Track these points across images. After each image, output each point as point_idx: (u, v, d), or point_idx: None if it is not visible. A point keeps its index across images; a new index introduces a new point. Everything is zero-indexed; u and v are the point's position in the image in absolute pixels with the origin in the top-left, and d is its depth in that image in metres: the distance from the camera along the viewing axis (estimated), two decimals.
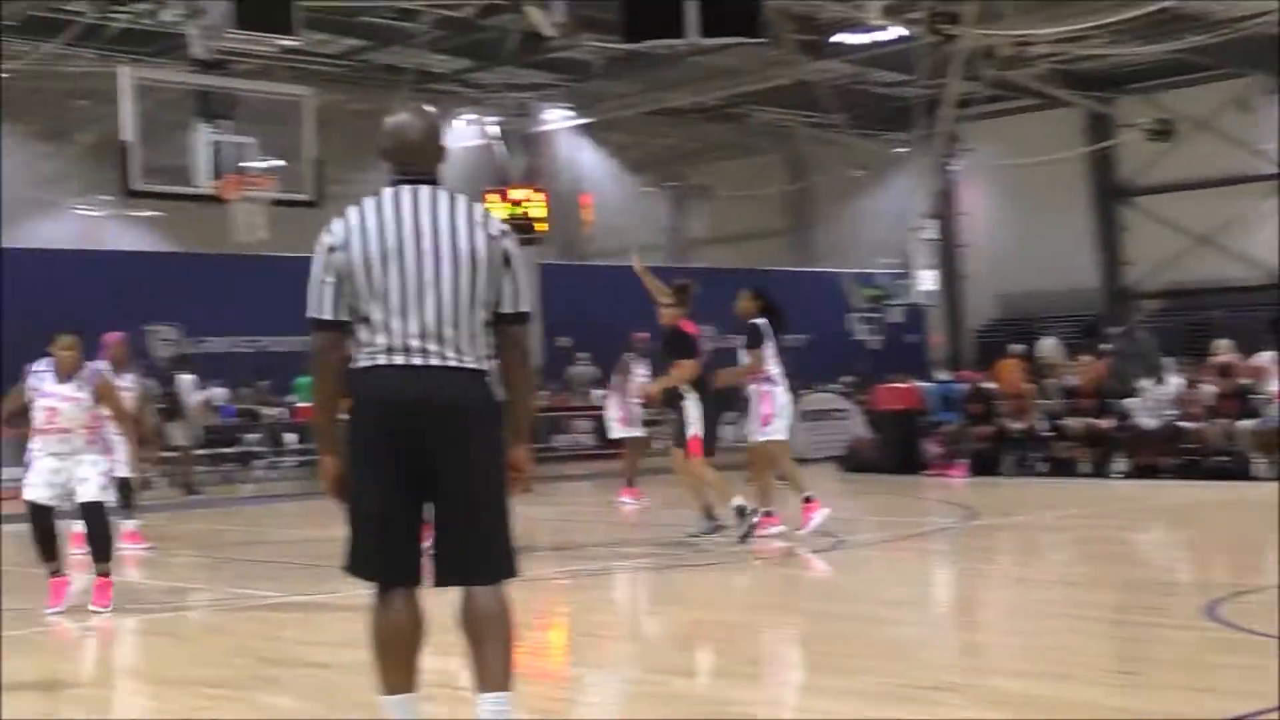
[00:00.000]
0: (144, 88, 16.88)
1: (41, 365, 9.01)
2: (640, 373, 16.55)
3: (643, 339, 16.87)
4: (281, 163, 17.87)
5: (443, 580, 4.68)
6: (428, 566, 4.71)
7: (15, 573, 9.75)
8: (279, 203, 16.81)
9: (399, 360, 4.63)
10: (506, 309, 4.77)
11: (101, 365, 9.84)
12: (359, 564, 4.72)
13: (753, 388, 12.17)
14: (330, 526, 5.62)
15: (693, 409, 11.82)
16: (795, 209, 38.36)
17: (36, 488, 8.92)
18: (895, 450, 20.08)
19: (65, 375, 8.94)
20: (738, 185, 37.28)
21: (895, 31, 24.35)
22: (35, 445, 9.02)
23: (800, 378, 23.23)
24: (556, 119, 32.07)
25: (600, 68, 28.40)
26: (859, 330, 33.62)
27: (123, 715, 6.37)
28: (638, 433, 16.82)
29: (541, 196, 29.79)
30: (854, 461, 20.71)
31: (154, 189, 17.82)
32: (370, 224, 4.68)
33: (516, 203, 29.69)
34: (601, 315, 34.36)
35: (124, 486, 12.46)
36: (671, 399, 11.96)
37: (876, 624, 8.31)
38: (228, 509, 16.78)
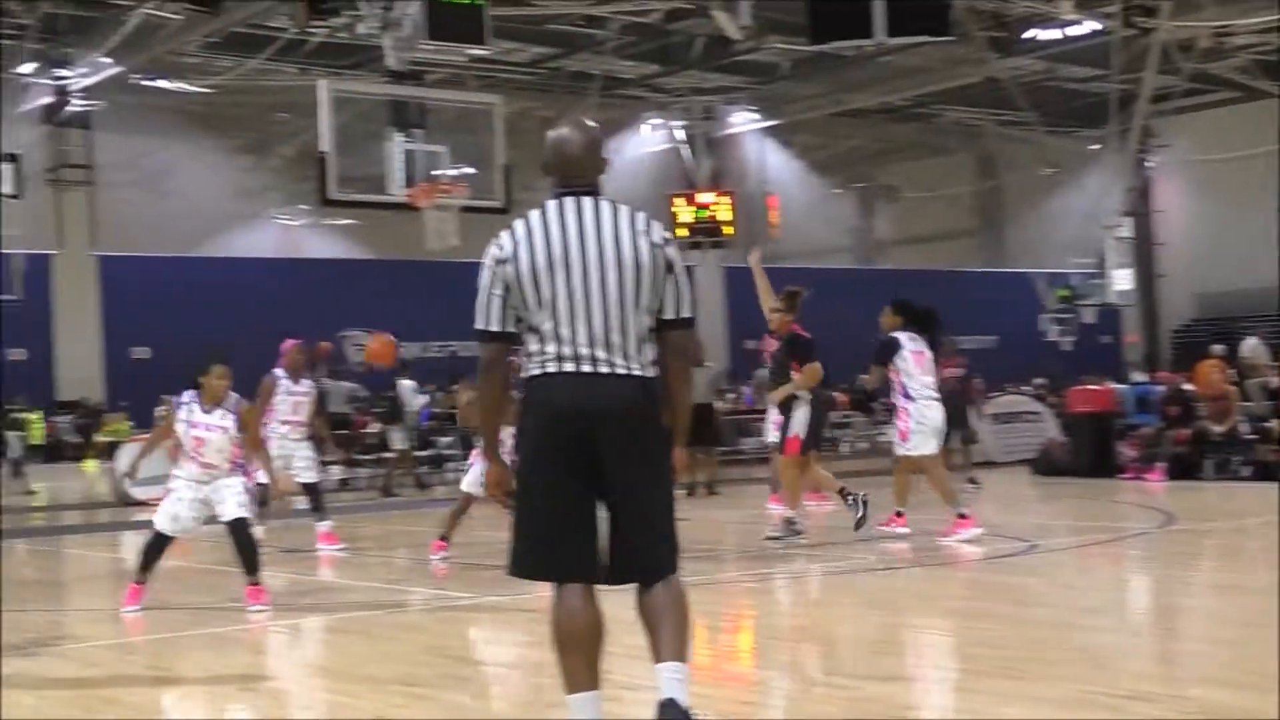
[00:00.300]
0: (340, 99, 17.31)
1: (187, 396, 9.23)
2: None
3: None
4: (472, 170, 18.21)
5: (619, 579, 4.81)
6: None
7: (218, 571, 10.09)
8: (469, 209, 17.11)
9: (569, 368, 4.73)
10: (669, 315, 4.84)
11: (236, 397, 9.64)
12: (529, 565, 4.84)
13: (894, 401, 12.28)
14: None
15: (801, 413, 12.04)
16: (984, 209, 37.79)
17: (162, 518, 9.25)
18: (1089, 453, 19.63)
19: (212, 404, 9.16)
20: (925, 185, 36.87)
21: (1089, 25, 23.84)
22: (179, 472, 9.29)
23: (990, 380, 22.88)
24: (742, 122, 32.07)
25: (786, 69, 28.34)
26: (1051, 331, 32.94)
27: (315, 712, 6.55)
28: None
29: (728, 199, 29.81)
30: (1046, 465, 20.29)
31: (350, 198, 18.29)
32: (536, 235, 4.79)
33: (703, 206, 29.77)
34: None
35: (313, 490, 12.79)
36: (785, 402, 12.15)
37: (1070, 630, 8.14)
38: (421, 511, 17.10)
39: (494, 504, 5.06)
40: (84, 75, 25.29)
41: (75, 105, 27.79)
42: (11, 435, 23.09)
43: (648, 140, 33.46)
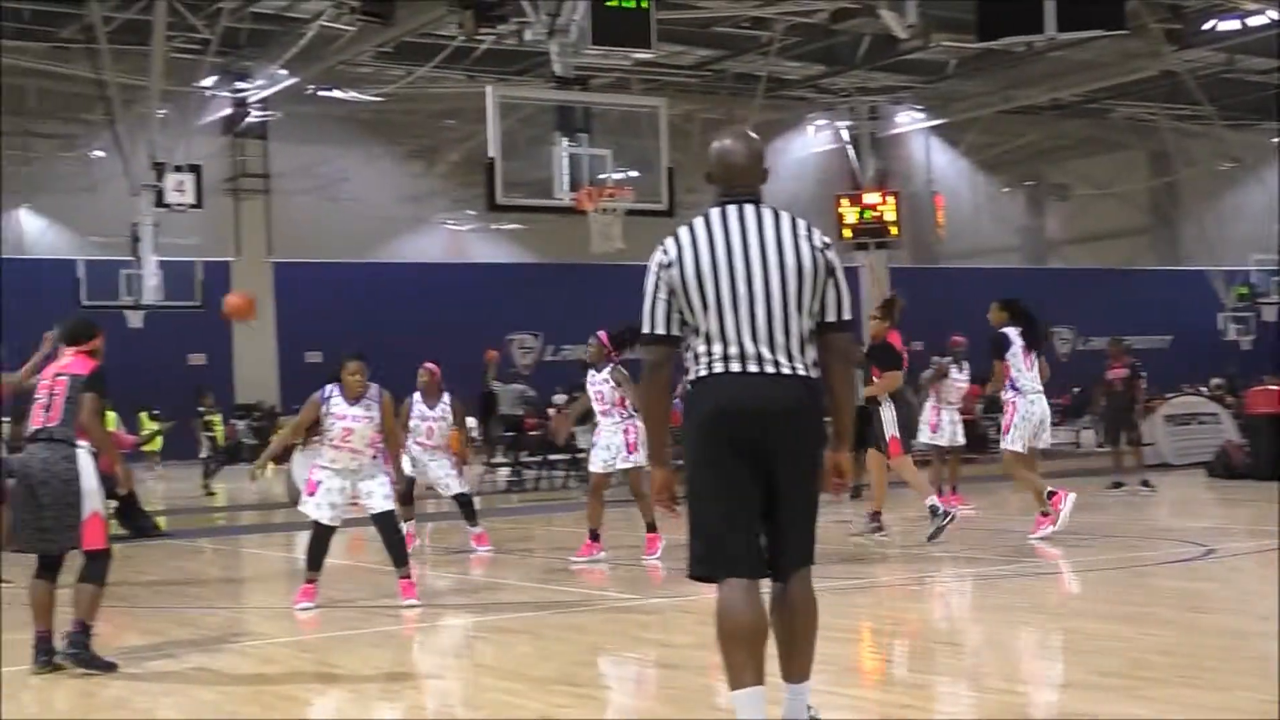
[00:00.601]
0: (506, 105, 17.52)
1: (329, 389, 9.58)
2: (958, 378, 16.03)
3: (960, 343, 16.30)
4: (636, 173, 18.29)
5: (781, 569, 4.93)
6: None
7: (374, 568, 10.28)
8: (634, 212, 17.19)
9: (735, 368, 4.84)
10: (831, 317, 4.96)
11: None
12: (703, 565, 4.89)
13: (1003, 395, 12.79)
14: (676, 531, 5.74)
15: (887, 413, 12.70)
16: (1158, 205, 36.88)
17: (321, 509, 9.51)
18: (1269, 456, 19.02)
19: (354, 398, 9.51)
20: (1097, 183, 36.12)
21: (1269, 15, 23.14)
22: (324, 461, 9.63)
23: (1165, 381, 22.34)
24: (908, 121, 31.76)
25: (953, 67, 28.00)
26: (1229, 330, 32.05)
27: (482, 712, 6.63)
28: (942, 441, 16.00)
29: (893, 200, 29.54)
30: (1223, 467, 19.72)
31: (517, 202, 18.49)
32: (700, 240, 4.92)
33: (868, 207, 29.54)
34: (955, 319, 33.86)
35: (464, 501, 12.89)
36: (869, 405, 12.75)
37: (1250, 638, 7.91)
38: (576, 513, 17.27)
39: (661, 507, 5.14)
40: (262, 87, 25.97)
41: (253, 116, 28.57)
42: (203, 436, 23.79)
43: (813, 141, 33.30)
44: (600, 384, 11.97)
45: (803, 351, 4.90)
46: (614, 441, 11.86)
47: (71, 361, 7.72)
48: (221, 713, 6.71)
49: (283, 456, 22.37)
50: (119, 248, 23.14)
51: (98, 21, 20.67)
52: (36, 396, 7.69)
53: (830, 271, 4.97)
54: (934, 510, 12.27)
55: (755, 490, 4.84)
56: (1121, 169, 36.03)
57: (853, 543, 12.46)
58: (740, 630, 4.78)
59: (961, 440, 16.30)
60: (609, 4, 16.43)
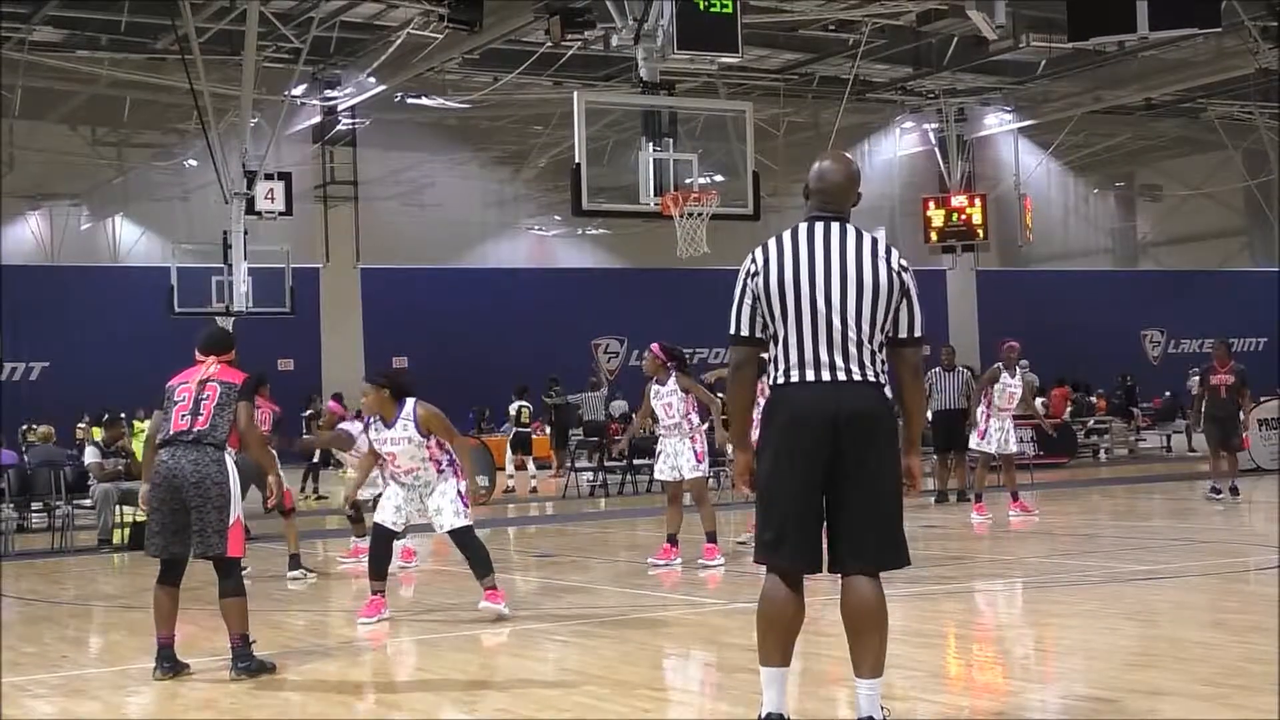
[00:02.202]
0: (591, 110, 17.56)
1: (370, 417, 9.45)
2: (1010, 383, 15.70)
3: (1013, 348, 15.95)
4: (721, 178, 18.26)
5: (846, 567, 5.24)
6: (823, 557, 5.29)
7: (454, 571, 10.32)
8: (719, 217, 17.16)
9: (811, 375, 5.20)
10: (904, 334, 5.30)
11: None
12: (765, 553, 5.29)
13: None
14: (731, 535, 5.75)
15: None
16: (1254, 206, 36.26)
17: (385, 511, 9.35)
18: None
19: (388, 421, 9.27)
20: (1190, 183, 35.62)
21: None
22: (386, 480, 9.56)
23: (1260, 384, 21.99)
24: (997, 123, 31.48)
25: (1043, 68, 27.72)
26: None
27: (567, 713, 6.65)
28: (990, 448, 15.74)
29: (981, 202, 29.31)
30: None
31: (602, 208, 18.51)
32: (786, 253, 5.27)
33: (956, 209, 29.33)
34: (1044, 321, 33.61)
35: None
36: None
37: None
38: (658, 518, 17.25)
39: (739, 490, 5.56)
40: (350, 95, 26.24)
41: (342, 124, 28.87)
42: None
43: (900, 143, 33.11)
44: (669, 395, 11.97)
45: (874, 361, 5.23)
46: (682, 450, 11.87)
47: (220, 370, 7.75)
48: (308, 714, 6.77)
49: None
50: (211, 255, 23.48)
51: (192, 32, 20.99)
52: (175, 400, 7.66)
53: (905, 292, 5.28)
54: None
55: (820, 491, 5.20)
56: (1215, 169, 35.48)
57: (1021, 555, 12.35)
58: (775, 618, 5.24)
59: (1013, 448, 16.01)
60: (695, 9, 16.44)
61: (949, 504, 17.30)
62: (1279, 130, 32.07)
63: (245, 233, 22.67)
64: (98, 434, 19.62)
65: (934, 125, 31.55)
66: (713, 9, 16.63)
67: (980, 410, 15.90)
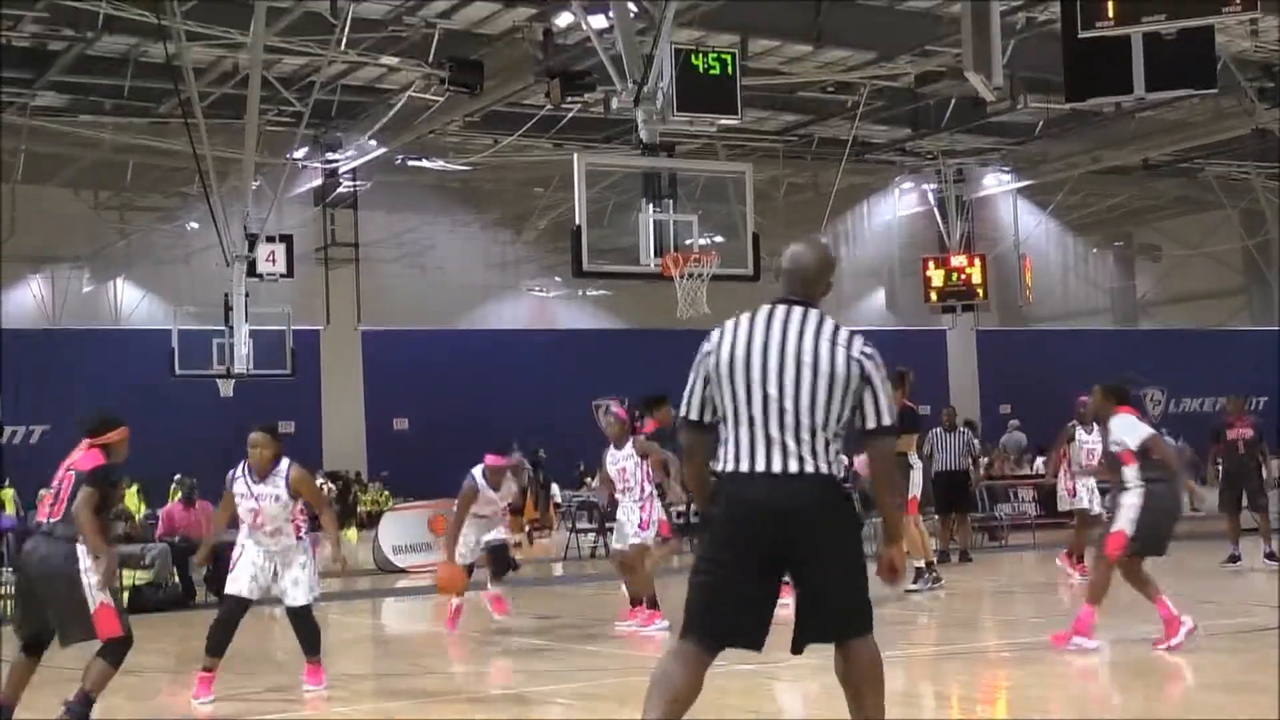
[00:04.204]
0: (592, 172, 17.61)
1: (240, 469, 9.18)
2: (1086, 440, 15.38)
3: (1085, 403, 15.76)
4: (721, 239, 18.28)
5: (805, 640, 5.18)
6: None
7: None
8: (719, 278, 17.17)
9: (760, 465, 5.03)
10: (870, 424, 5.13)
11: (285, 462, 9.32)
12: (687, 623, 5.16)
13: None
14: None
15: (916, 475, 14.26)
16: (1252, 265, 36.34)
17: (240, 581, 9.08)
18: None
19: (261, 475, 9.10)
20: (1188, 243, 35.71)
21: None
22: (242, 538, 9.25)
23: (1263, 442, 21.87)
24: (996, 183, 31.60)
25: (1041, 129, 27.87)
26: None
27: None
28: (1083, 505, 15.75)
29: (980, 262, 29.37)
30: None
31: (603, 269, 18.55)
32: (741, 333, 5.17)
33: (955, 269, 29.39)
34: (1044, 381, 33.60)
35: (500, 552, 12.27)
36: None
37: None
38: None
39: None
40: (352, 157, 26.35)
41: (343, 186, 28.99)
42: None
43: (899, 204, 33.22)
44: (624, 460, 11.92)
45: (826, 451, 5.06)
46: (630, 518, 11.84)
47: (83, 455, 7.81)
48: None
49: (370, 521, 22.49)
50: (212, 317, 23.52)
51: (194, 96, 21.10)
52: (50, 486, 7.83)
53: (866, 379, 5.11)
54: (920, 572, 13.79)
55: (758, 581, 5.08)
56: (1213, 229, 35.59)
57: (914, 600, 12.62)
58: (663, 685, 5.05)
59: (1098, 509, 15.25)
60: (695, 71, 16.53)
61: (951, 564, 17.24)
62: (1276, 190, 32.17)
63: (246, 295, 22.71)
64: None
65: (933, 186, 31.67)
66: (712, 72, 16.72)
67: (1063, 471, 15.46)
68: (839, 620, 5.17)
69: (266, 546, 9.11)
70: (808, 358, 5.05)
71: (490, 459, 11.82)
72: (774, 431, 5.02)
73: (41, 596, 7.52)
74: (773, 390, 5.03)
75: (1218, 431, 16.85)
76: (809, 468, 5.01)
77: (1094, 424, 14.88)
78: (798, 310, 5.17)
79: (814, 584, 5.10)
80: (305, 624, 9.18)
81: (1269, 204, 32.78)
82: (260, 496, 9.03)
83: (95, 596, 7.42)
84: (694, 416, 5.21)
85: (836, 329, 5.16)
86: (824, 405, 5.03)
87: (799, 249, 5.34)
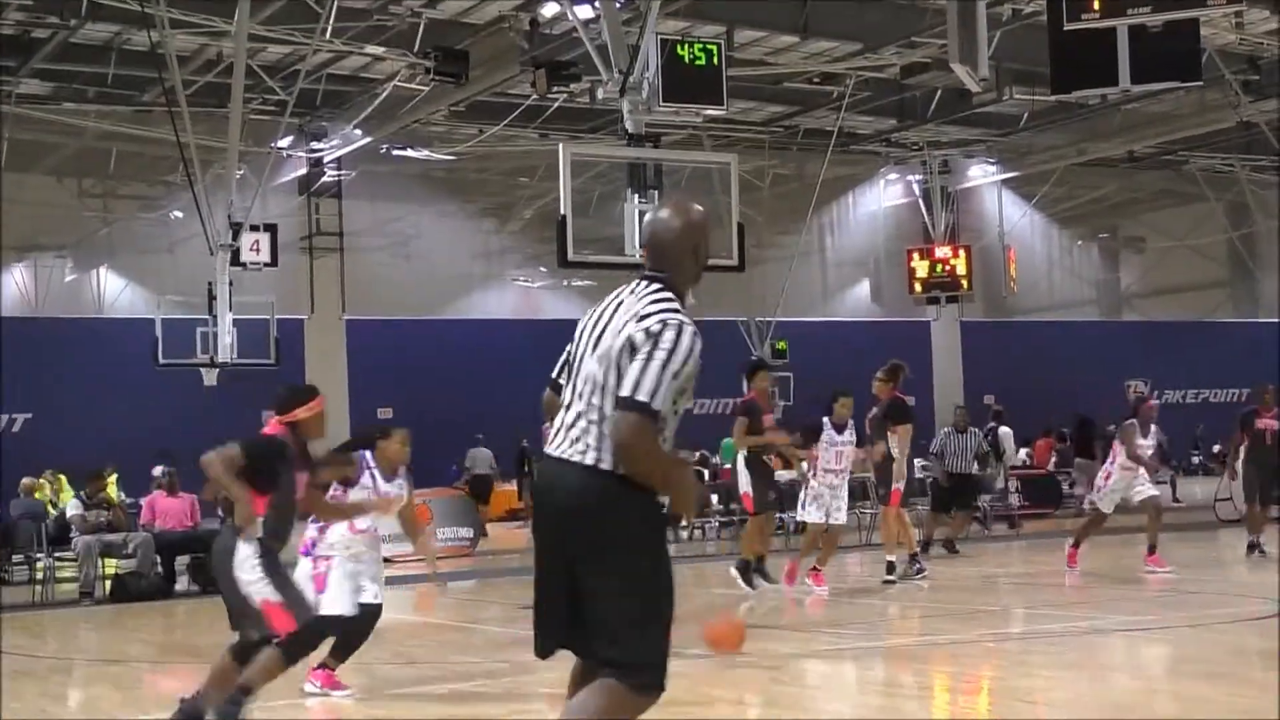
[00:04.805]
0: (580, 163, 17.60)
1: (367, 461, 8.76)
2: (1143, 444, 14.56)
3: (1152, 408, 14.98)
4: None
5: (558, 642, 4.67)
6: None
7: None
8: (705, 268, 17.18)
9: (550, 449, 4.62)
10: (624, 392, 4.42)
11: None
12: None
13: None
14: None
15: (899, 467, 13.93)
16: (1237, 257, 36.45)
17: (344, 600, 8.31)
18: None
19: (392, 474, 8.79)
20: (1173, 235, 35.79)
21: None
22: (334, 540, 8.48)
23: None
24: (981, 174, 31.64)
25: (1026, 120, 27.91)
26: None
27: None
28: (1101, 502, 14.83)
29: (965, 253, 29.42)
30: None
31: (588, 259, 18.54)
32: (594, 309, 4.73)
33: (940, 260, 29.43)
34: (1028, 372, 33.68)
35: None
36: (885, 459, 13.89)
37: None
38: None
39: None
40: (336, 147, 26.29)
41: (328, 175, 28.91)
42: None
43: (884, 195, 33.26)
44: None
45: (588, 434, 4.51)
46: None
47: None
48: None
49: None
50: (195, 306, 23.44)
51: (179, 85, 21.01)
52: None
53: (632, 349, 4.44)
54: (891, 566, 13.78)
55: (553, 575, 4.60)
56: (1198, 221, 35.68)
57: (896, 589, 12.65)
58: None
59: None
60: (680, 62, 16.53)
61: (937, 555, 17.22)
62: (1261, 183, 32.26)
63: (230, 284, 22.63)
64: (66, 493, 19.49)
65: (918, 177, 31.70)
66: (698, 62, 16.73)
67: (1108, 464, 14.81)
68: (594, 644, 4.51)
69: (357, 549, 8.49)
70: (609, 335, 4.53)
71: None
72: (569, 412, 4.57)
73: (220, 587, 7.05)
74: (576, 369, 4.61)
75: (1245, 420, 16.49)
76: (588, 457, 4.48)
77: (1151, 426, 14.69)
78: (642, 285, 4.62)
79: (581, 593, 4.51)
80: (369, 626, 8.51)
81: (1253, 197, 32.87)
82: (385, 495, 8.63)
83: (260, 591, 6.84)
84: (554, 374, 4.90)
85: (652, 300, 4.55)
86: (594, 382, 4.52)
87: (653, 217, 4.79)
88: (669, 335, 4.45)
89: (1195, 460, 29.31)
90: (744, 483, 13.48)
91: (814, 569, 13.34)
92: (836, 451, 13.21)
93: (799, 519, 14.10)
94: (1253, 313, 36.00)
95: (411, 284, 32.05)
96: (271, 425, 7.22)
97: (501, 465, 28.27)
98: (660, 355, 4.43)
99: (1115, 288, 39.71)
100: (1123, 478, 14.46)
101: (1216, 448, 27.64)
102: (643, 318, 4.49)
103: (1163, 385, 33.27)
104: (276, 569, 6.95)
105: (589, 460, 4.49)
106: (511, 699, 8.69)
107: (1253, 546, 15.56)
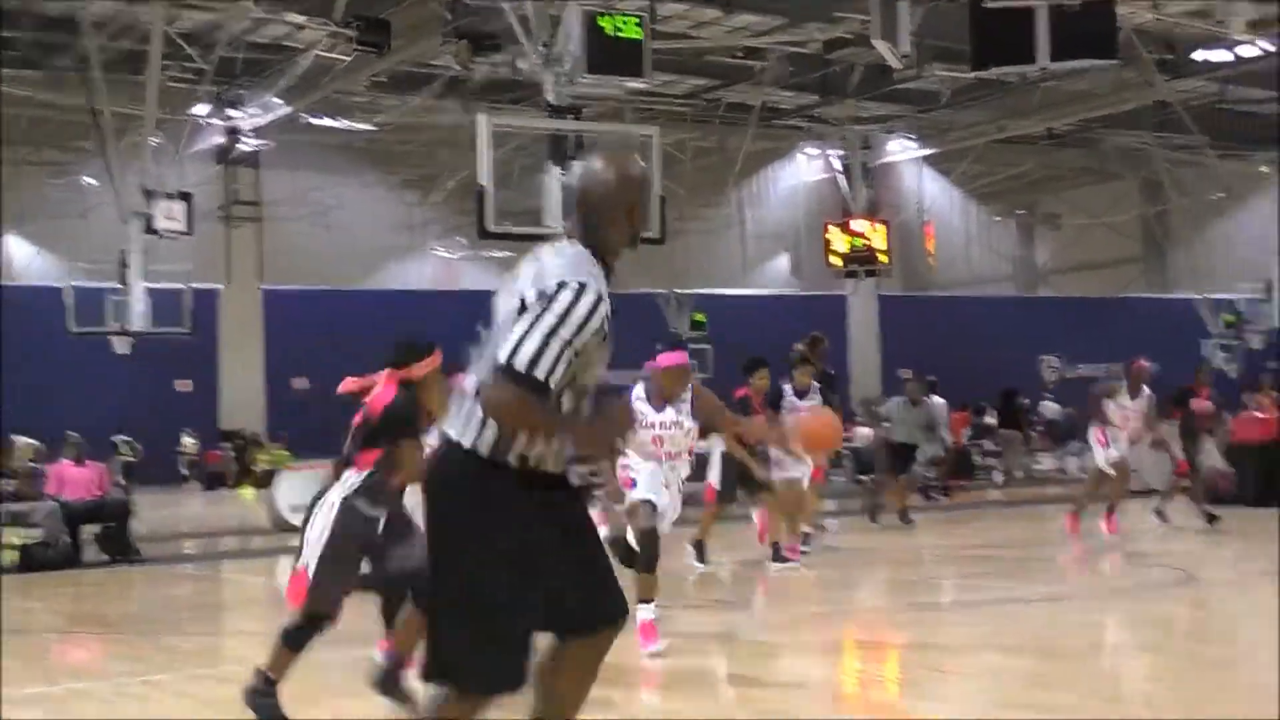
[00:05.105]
0: (501, 134, 17.52)
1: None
2: (1128, 406, 14.53)
3: (1143, 369, 14.94)
4: None
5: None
6: None
7: None
8: (639, 232, 17.17)
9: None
10: (498, 357, 3.97)
11: None
12: None
13: None
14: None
15: None
16: (1150, 235, 36.97)
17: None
18: (1254, 483, 18.99)
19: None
20: (1089, 212, 36.21)
21: (1261, 46, 23.23)
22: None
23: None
24: (901, 150, 31.82)
25: (947, 97, 28.08)
26: (1216, 358, 32.04)
27: None
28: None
29: (884, 228, 29.58)
30: (1209, 494, 19.62)
31: (508, 230, 18.48)
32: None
33: (858, 235, 29.57)
34: (945, 346, 33.96)
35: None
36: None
37: (1232, 665, 7.91)
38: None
39: None
40: (255, 115, 25.99)
41: (246, 145, 28.60)
42: None
43: (805, 170, 33.39)
44: None
45: (471, 412, 4.09)
46: None
47: (380, 392, 6.67)
48: None
49: (266, 480, 22.19)
50: (108, 274, 23.14)
51: (93, 51, 20.68)
52: None
53: (522, 309, 4.00)
54: (777, 548, 12.48)
55: None
56: (1114, 198, 36.14)
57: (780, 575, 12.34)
58: None
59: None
60: (603, 34, 16.48)
61: (892, 525, 16.97)
62: (1175, 161, 32.69)
63: (143, 252, 22.35)
64: None
65: (839, 152, 31.84)
66: (621, 34, 16.68)
67: (1093, 427, 14.76)
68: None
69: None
70: (504, 299, 4.12)
71: None
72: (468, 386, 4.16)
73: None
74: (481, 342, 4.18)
75: (1181, 397, 16.72)
76: (453, 431, 4.10)
77: (1143, 389, 14.63)
78: (563, 242, 4.16)
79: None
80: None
81: (1167, 175, 33.33)
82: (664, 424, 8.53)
83: (307, 556, 6.32)
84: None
85: (561, 261, 4.07)
86: (492, 354, 4.03)
87: (584, 168, 4.25)
88: (564, 297, 3.96)
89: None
90: (713, 475, 12.90)
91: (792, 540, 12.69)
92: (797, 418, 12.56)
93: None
94: (1164, 288, 36.52)
95: (331, 254, 31.82)
96: (386, 381, 6.73)
97: None
98: (550, 319, 3.94)
99: (1032, 264, 40.15)
100: (1114, 435, 14.46)
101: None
102: (542, 277, 4.02)
103: (1077, 360, 33.73)
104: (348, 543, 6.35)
105: (453, 434, 4.11)
106: None
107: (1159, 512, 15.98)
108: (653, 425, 8.53)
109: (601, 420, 4.20)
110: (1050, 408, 29.45)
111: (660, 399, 8.54)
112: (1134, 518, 16.25)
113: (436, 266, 34.21)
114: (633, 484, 8.47)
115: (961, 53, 19.53)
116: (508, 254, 31.99)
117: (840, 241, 29.50)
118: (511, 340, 3.96)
